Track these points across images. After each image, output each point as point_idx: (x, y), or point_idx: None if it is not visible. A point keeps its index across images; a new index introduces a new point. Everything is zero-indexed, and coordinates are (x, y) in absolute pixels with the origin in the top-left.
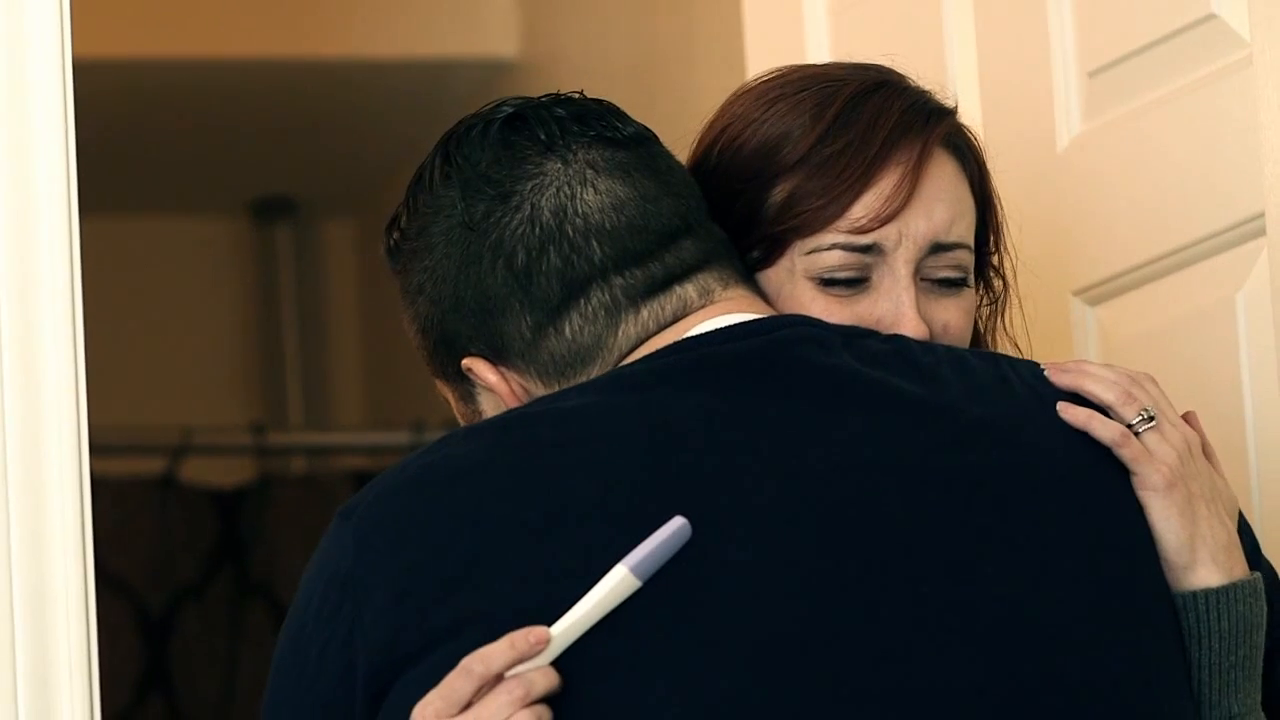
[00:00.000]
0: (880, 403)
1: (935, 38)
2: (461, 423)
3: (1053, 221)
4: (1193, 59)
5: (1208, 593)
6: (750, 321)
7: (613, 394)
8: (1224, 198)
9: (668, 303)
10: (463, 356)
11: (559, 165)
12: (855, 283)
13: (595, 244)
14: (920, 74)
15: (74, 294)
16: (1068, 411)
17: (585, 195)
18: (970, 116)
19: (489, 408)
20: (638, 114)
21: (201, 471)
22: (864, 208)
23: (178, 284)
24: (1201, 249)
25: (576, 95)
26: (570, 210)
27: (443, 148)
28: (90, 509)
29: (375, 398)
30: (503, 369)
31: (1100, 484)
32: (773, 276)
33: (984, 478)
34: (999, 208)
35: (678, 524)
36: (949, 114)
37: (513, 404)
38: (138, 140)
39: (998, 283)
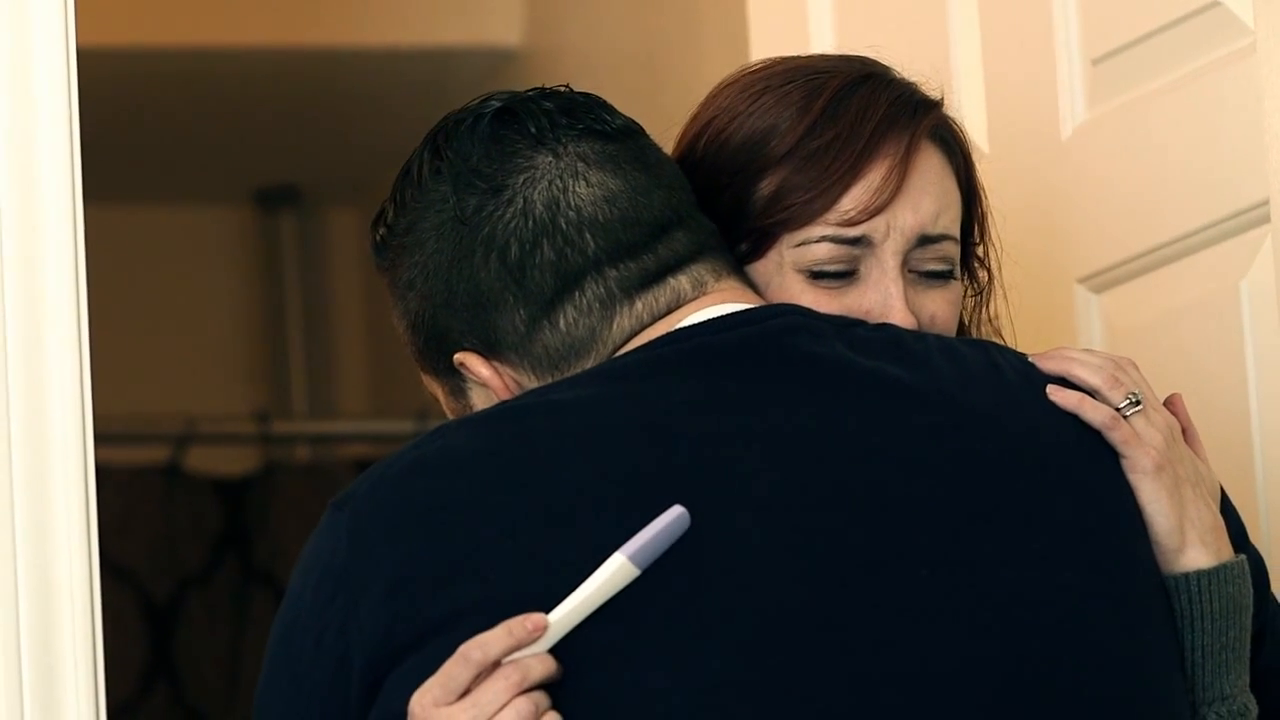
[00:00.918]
0: (873, 390)
1: (939, 26)
2: (451, 418)
3: (1056, 209)
4: (1196, 46)
5: (1199, 574)
6: (742, 311)
7: (607, 385)
8: (1228, 185)
9: (661, 294)
10: (454, 351)
11: (550, 158)
12: (844, 275)
13: (588, 236)
14: (923, 63)
15: (78, 283)
16: (1058, 395)
17: (577, 188)
18: (974, 105)
19: (480, 402)
20: (641, 103)
21: (206, 460)
22: (852, 200)
23: (182, 273)
24: (1205, 236)
25: (563, 89)
26: (563, 203)
27: (431, 142)
28: (95, 498)
29: (379, 386)
30: (495, 363)
31: (1091, 468)
32: (761, 269)
33: (977, 463)
34: (984, 198)
35: (676, 513)
36: (936, 106)
37: (505, 398)
38: (142, 129)
39: (983, 274)
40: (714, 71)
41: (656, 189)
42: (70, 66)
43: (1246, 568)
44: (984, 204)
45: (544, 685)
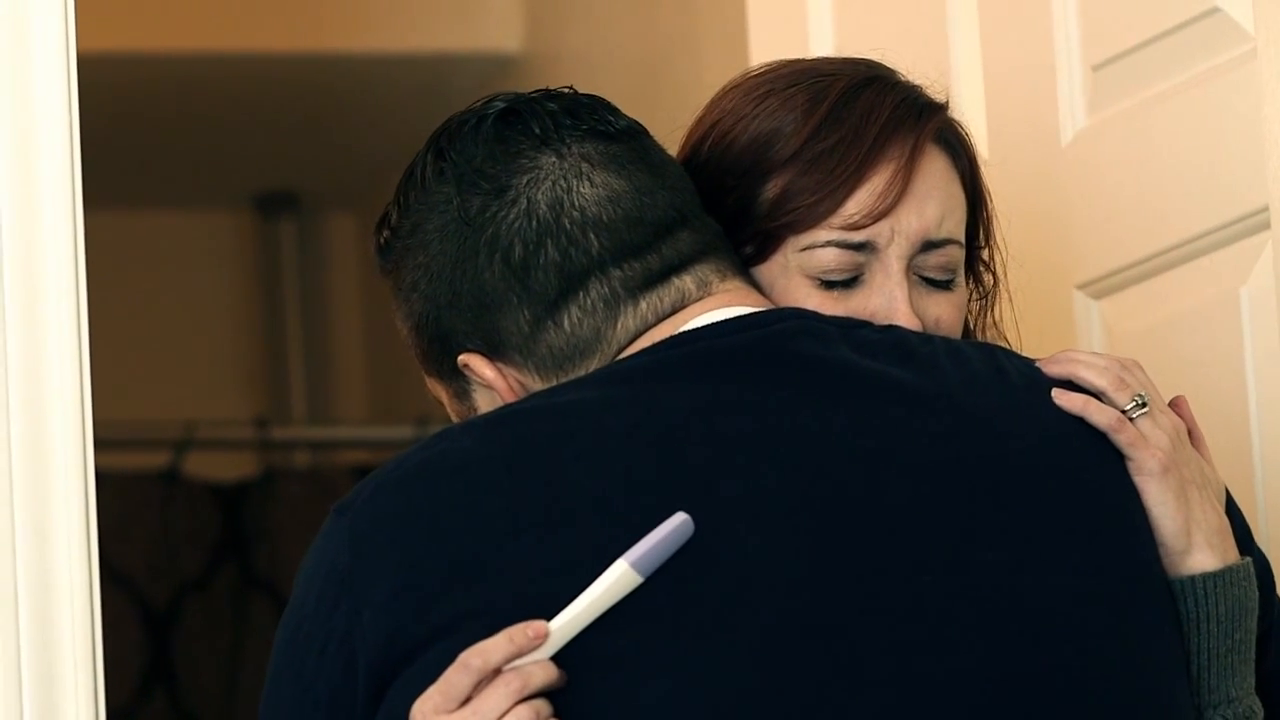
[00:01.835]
0: (878, 394)
1: (939, 31)
2: (455, 420)
3: (1056, 215)
4: (1197, 53)
5: (1205, 577)
6: (747, 315)
7: (610, 388)
8: (1228, 192)
9: (666, 294)
10: (459, 353)
11: (554, 159)
12: (850, 281)
13: (592, 237)
14: (924, 68)
15: (78, 288)
16: (1063, 398)
17: (581, 188)
18: (974, 110)
19: (484, 405)
20: (641, 108)
21: (205, 466)
22: (857, 204)
23: (181, 278)
24: (1205, 243)
25: (567, 90)
26: (567, 203)
27: (435, 144)
28: (94, 503)
29: (378, 392)
30: (500, 364)
31: (1097, 470)
32: (766, 272)
33: (983, 466)
34: (990, 202)
35: (679, 520)
36: (941, 109)
37: (509, 399)
38: (141, 134)
39: (988, 278)
40: (713, 76)
41: (661, 189)
42: (70, 71)
43: (1252, 570)
44: (989, 208)
45: (545, 693)
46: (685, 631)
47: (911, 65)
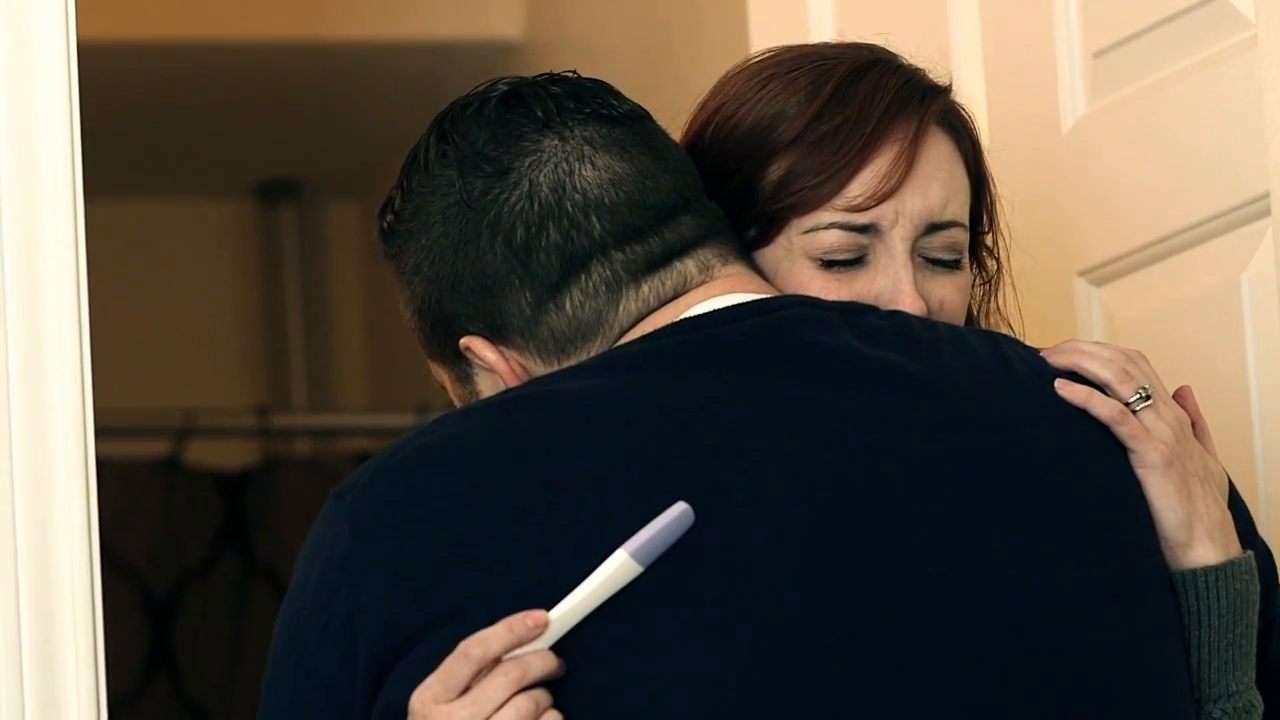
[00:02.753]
0: (881, 382)
1: (940, 17)
2: (458, 404)
3: (1057, 202)
4: (1197, 39)
5: (1207, 570)
6: (749, 302)
7: (612, 376)
8: (1229, 178)
9: (668, 278)
10: (461, 336)
11: (556, 142)
12: (853, 262)
13: (595, 219)
14: (923, 54)
15: (78, 276)
16: (1066, 389)
17: (584, 171)
18: (974, 97)
19: (486, 388)
20: (641, 94)
21: (206, 454)
22: (861, 186)
23: (182, 266)
24: (1206, 230)
25: (570, 74)
26: (569, 186)
27: (438, 127)
28: (95, 491)
29: (379, 380)
30: (502, 347)
31: (1099, 462)
32: (770, 255)
33: (985, 456)
34: (993, 187)
35: (680, 509)
36: (944, 92)
37: (511, 383)
38: (142, 122)
39: (991, 263)
40: (714, 63)
41: (663, 173)
42: (71, 60)
43: (1254, 563)
44: (993, 192)
45: (545, 682)
46: (685, 621)
47: (913, 51)
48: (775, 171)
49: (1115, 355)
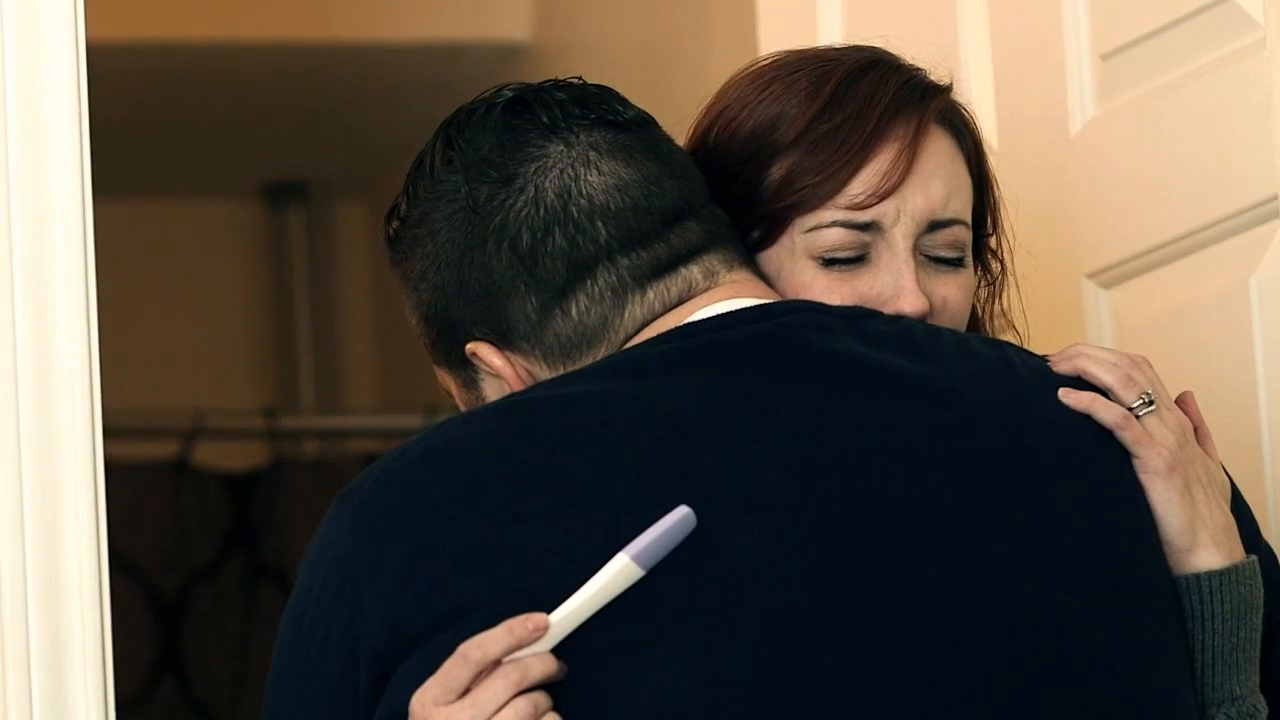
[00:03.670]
0: (884, 386)
1: (948, 20)
2: (463, 410)
3: (1065, 204)
4: (1206, 42)
5: (1210, 575)
6: (753, 307)
7: (616, 380)
8: (1237, 181)
9: (673, 284)
10: (466, 342)
11: (562, 148)
12: (855, 260)
13: (600, 225)
14: (933, 57)
15: (87, 277)
16: (1070, 395)
17: (589, 177)
18: (983, 99)
19: (492, 393)
20: (650, 97)
21: (214, 455)
22: (862, 184)
23: (190, 267)
24: (1215, 232)
25: (576, 80)
26: (574, 191)
27: (443, 133)
28: (104, 492)
29: (387, 381)
30: (508, 353)
31: (1103, 467)
32: (773, 256)
33: (988, 461)
34: (996, 187)
35: (682, 513)
36: (944, 90)
37: (517, 388)
38: (151, 123)
39: (995, 264)
40: (723, 65)
41: (668, 178)
42: (80, 61)
43: (1258, 568)
44: (996, 193)
45: (545, 685)
46: (686, 624)
47: (920, 54)
48: (777, 172)
49: (1119, 360)
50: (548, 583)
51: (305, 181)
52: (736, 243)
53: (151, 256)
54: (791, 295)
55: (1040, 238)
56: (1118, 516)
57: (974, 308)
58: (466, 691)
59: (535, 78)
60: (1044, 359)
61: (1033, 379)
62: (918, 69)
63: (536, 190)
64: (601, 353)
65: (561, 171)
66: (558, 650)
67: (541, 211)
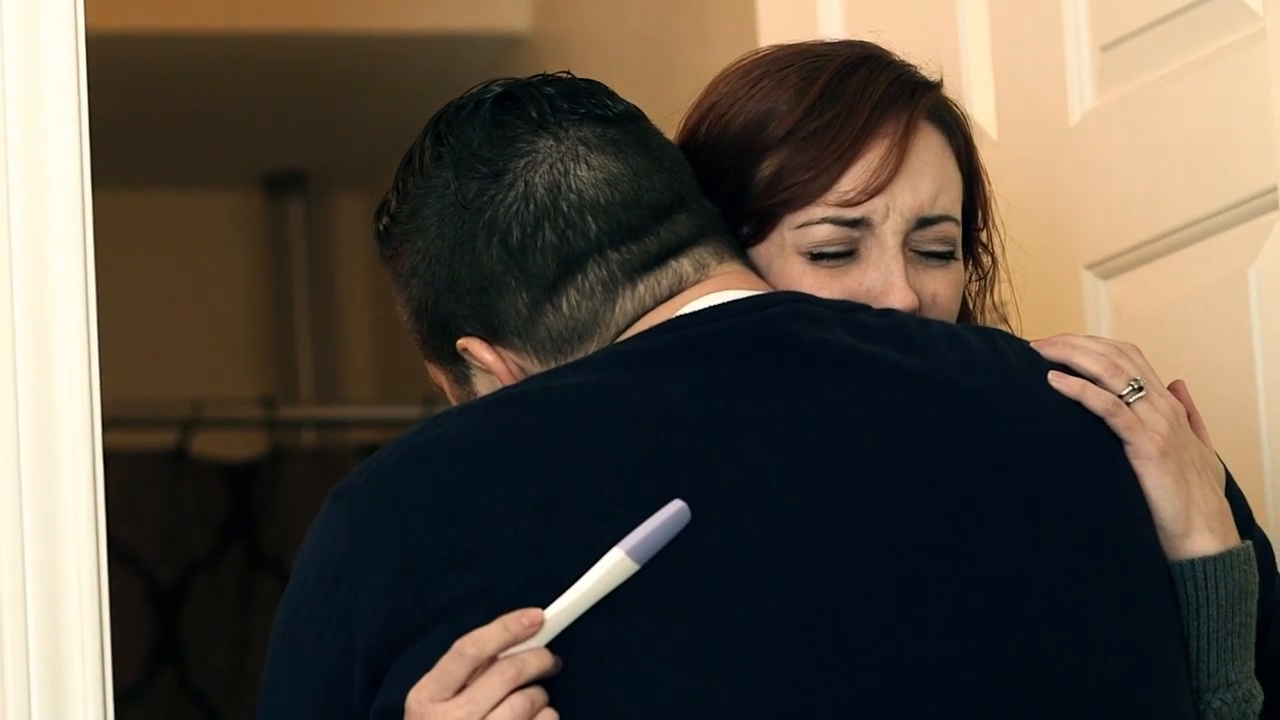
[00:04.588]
0: (876, 377)
1: (948, 11)
2: (455, 405)
3: (1064, 196)
4: (1206, 33)
5: (1205, 560)
6: (744, 299)
7: (608, 373)
8: (1236, 172)
9: (663, 277)
10: (458, 337)
11: (551, 142)
12: (844, 255)
13: (590, 219)
14: (932, 49)
15: (86, 268)
16: (1060, 381)
17: (578, 171)
18: (982, 91)
19: (484, 389)
20: (650, 89)
21: (212, 445)
22: (851, 181)
23: (189, 258)
24: (1214, 223)
25: (565, 74)
26: (564, 186)
27: (433, 129)
28: (102, 482)
29: (386, 371)
30: (499, 348)
31: (1095, 454)
32: (763, 252)
33: (980, 450)
34: (987, 182)
35: (676, 507)
36: (934, 87)
37: (508, 383)
38: (150, 114)
39: (986, 259)
40: (723, 57)
41: (658, 172)
42: (79, 51)
43: (1252, 553)
44: (986, 187)
45: (541, 681)
46: (682, 617)
47: (919, 47)
48: (767, 168)
49: (1106, 349)
50: (542, 577)
51: (304, 172)
52: (727, 235)
53: (150, 247)
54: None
55: (1039, 229)
56: (1110, 503)
57: (965, 301)
58: (463, 688)
59: (535, 69)
60: (1030, 345)
61: (1023, 367)
62: (908, 65)
63: (526, 185)
64: (593, 347)
65: (551, 166)
66: (553, 645)
67: (531, 206)
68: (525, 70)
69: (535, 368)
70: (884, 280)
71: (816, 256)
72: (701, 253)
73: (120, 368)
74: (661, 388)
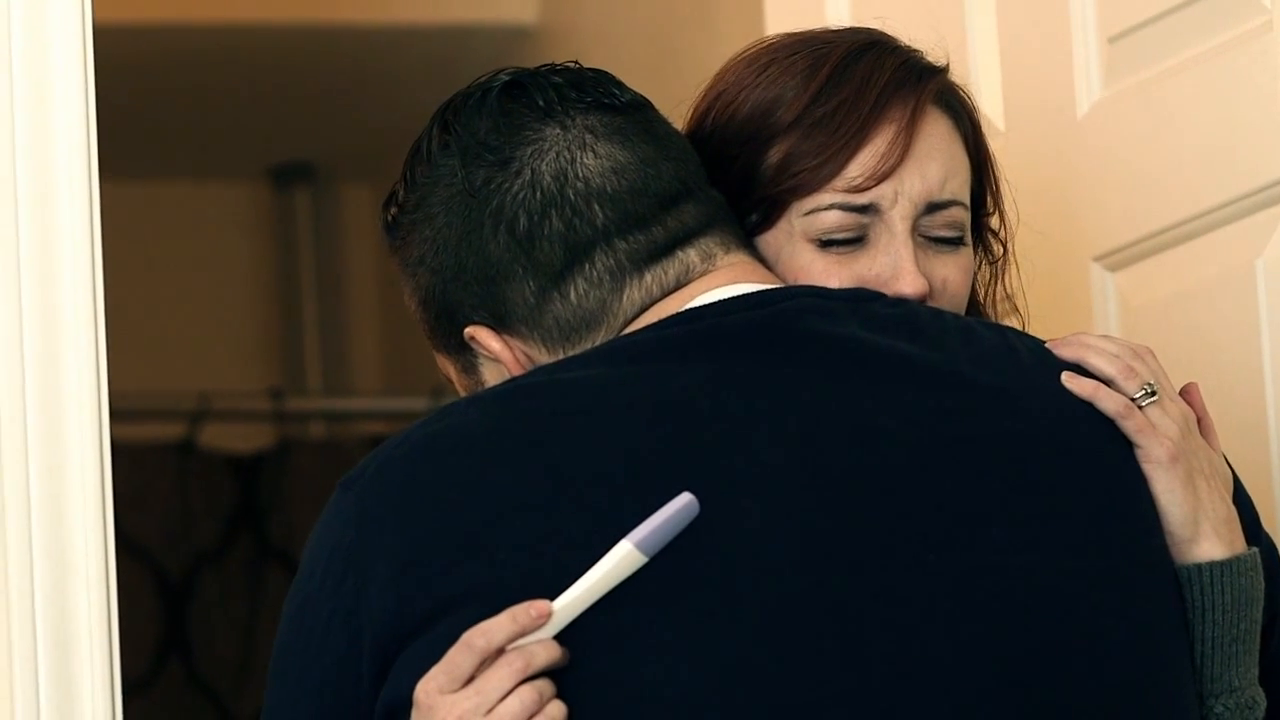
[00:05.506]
0: (888, 371)
1: (955, 2)
2: (463, 395)
3: (1072, 187)
4: (1213, 25)
5: (1211, 565)
6: (754, 292)
7: (617, 365)
8: (1244, 164)
9: (670, 267)
10: (465, 326)
11: (558, 131)
12: (853, 241)
13: (597, 207)
14: (939, 40)
15: (94, 259)
16: (1073, 382)
17: (585, 159)
18: (990, 82)
19: (492, 378)
20: (656, 81)
21: (220, 437)
22: (859, 166)
23: (197, 249)
24: (1221, 215)
25: (573, 64)
26: (571, 174)
27: (440, 118)
28: (110, 474)
29: (394, 363)
30: (506, 337)
31: (1105, 455)
32: (772, 239)
33: (990, 446)
34: (995, 168)
35: (685, 500)
36: (941, 72)
37: (516, 372)
38: (158, 106)
39: (997, 246)
40: (729, 48)
41: (665, 161)
42: (86, 43)
43: (1259, 560)
44: (995, 173)
45: (549, 672)
46: (689, 610)
47: (925, 37)
48: (775, 155)
49: (1121, 350)
50: (550, 569)
51: (311, 163)
52: (734, 225)
53: (158, 238)
54: (790, 278)
55: (1047, 221)
56: (1119, 504)
57: (976, 290)
58: (471, 679)
59: (542, 60)
60: (1044, 344)
61: (1036, 365)
62: (914, 50)
63: (533, 174)
64: (600, 336)
65: (558, 155)
66: (561, 637)
67: (538, 195)
68: (532, 62)
69: (543, 357)
70: (893, 266)
71: (825, 243)
72: (708, 243)
73: (128, 359)
74: (671, 381)
